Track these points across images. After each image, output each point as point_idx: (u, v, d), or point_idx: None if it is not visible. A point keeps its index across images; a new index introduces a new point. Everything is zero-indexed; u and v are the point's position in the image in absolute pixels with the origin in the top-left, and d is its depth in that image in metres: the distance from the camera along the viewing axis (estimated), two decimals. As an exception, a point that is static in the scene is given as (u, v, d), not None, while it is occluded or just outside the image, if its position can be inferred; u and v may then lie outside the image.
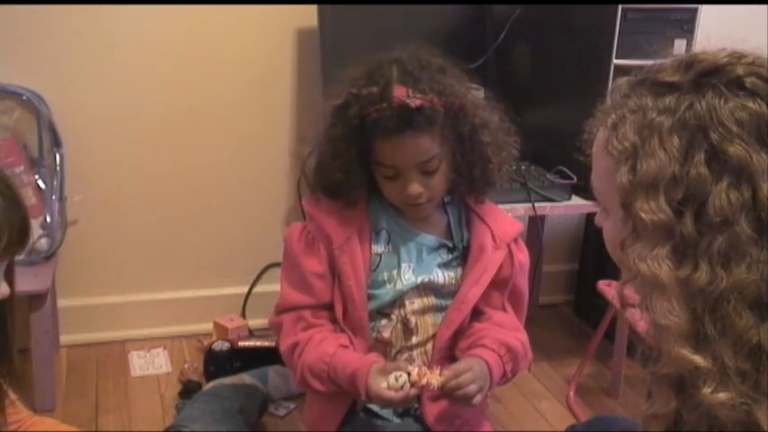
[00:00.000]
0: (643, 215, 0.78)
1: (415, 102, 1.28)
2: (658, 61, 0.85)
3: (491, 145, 1.38)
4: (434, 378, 1.25)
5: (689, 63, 0.81)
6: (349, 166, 1.35)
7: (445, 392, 1.28)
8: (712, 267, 0.75)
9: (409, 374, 1.25)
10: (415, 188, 1.33)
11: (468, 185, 1.41)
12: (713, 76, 0.78)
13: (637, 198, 0.79)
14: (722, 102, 0.76)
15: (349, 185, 1.37)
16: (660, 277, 0.77)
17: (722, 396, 0.74)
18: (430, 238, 1.43)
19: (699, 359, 0.75)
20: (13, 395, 1.27)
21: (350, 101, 1.33)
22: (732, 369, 0.74)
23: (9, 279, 1.15)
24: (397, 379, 1.25)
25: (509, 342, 1.37)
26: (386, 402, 1.28)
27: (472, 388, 1.27)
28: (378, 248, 1.42)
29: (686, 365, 0.75)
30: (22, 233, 1.11)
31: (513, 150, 1.44)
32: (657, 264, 0.77)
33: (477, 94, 1.43)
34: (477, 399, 1.28)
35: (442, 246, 1.44)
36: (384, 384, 1.26)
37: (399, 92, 1.29)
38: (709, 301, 0.75)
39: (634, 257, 0.79)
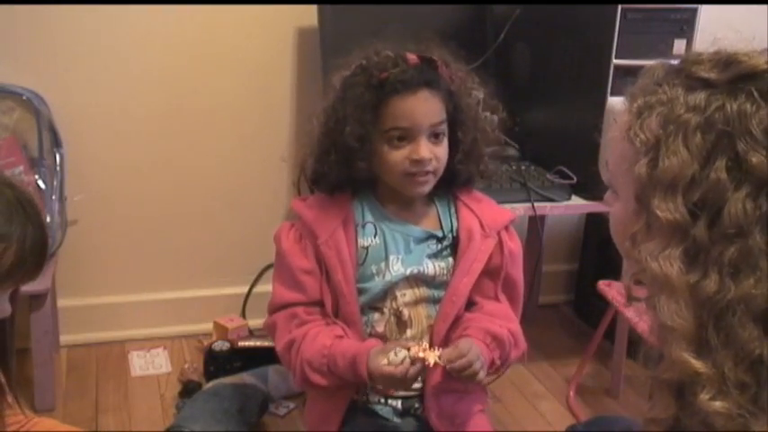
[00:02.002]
0: (659, 213, 0.76)
1: (433, 58, 1.35)
2: (697, 51, 0.82)
3: (488, 122, 1.44)
4: (432, 356, 1.26)
5: (728, 62, 0.78)
6: (363, 131, 1.34)
7: (452, 371, 1.27)
8: (721, 277, 0.74)
9: (409, 350, 1.26)
10: (425, 151, 1.34)
11: (468, 165, 1.42)
12: (750, 80, 0.76)
13: (654, 194, 0.77)
14: (753, 109, 0.74)
15: (361, 154, 1.35)
16: (671, 278, 0.76)
17: (719, 404, 0.73)
18: (417, 230, 1.43)
19: (699, 365, 0.74)
20: (10, 398, 1.26)
21: (363, 69, 1.36)
22: (732, 380, 0.73)
23: (14, 295, 1.16)
24: (396, 353, 1.25)
25: (494, 330, 1.37)
26: (387, 378, 1.26)
27: (477, 365, 1.28)
28: (364, 242, 1.42)
29: (686, 370, 0.75)
30: (42, 261, 1.12)
31: (498, 134, 1.51)
32: (669, 264, 0.76)
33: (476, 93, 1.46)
34: (482, 375, 1.29)
35: (430, 236, 1.44)
36: (384, 361, 1.26)
37: (413, 55, 1.36)
38: (715, 310, 0.74)
39: (646, 255, 0.78)
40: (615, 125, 0.87)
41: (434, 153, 1.35)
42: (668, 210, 0.76)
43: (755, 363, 0.73)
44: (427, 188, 1.39)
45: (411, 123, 1.33)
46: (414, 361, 1.25)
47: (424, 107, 1.34)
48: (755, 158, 0.73)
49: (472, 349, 1.28)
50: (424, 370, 1.27)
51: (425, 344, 1.29)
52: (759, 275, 0.73)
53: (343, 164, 1.37)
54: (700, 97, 0.77)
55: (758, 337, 0.73)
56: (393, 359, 1.25)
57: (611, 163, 0.88)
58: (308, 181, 1.47)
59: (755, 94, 0.75)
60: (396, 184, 1.39)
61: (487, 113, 1.47)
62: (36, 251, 1.09)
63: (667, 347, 0.76)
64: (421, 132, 1.34)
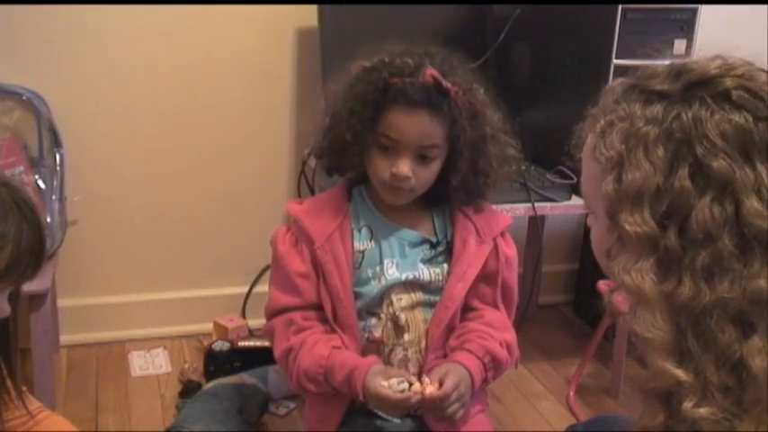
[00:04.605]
0: (627, 227, 0.77)
1: (444, 84, 1.31)
2: (652, 65, 0.84)
3: (497, 158, 1.41)
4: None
5: (679, 72, 0.80)
6: (360, 127, 1.34)
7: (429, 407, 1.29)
8: (695, 282, 0.74)
9: (411, 384, 1.26)
10: (405, 169, 1.33)
11: (465, 193, 1.41)
12: (701, 87, 0.77)
13: (622, 209, 0.78)
14: (708, 114, 0.75)
15: (354, 149, 1.35)
16: (644, 290, 0.76)
17: (703, 411, 0.73)
18: (412, 234, 1.43)
19: (681, 373, 0.75)
20: (14, 396, 1.26)
21: (380, 66, 1.34)
22: (714, 384, 0.74)
23: (14, 295, 1.16)
24: (399, 383, 1.26)
25: (494, 350, 1.38)
26: (382, 401, 1.28)
27: (456, 407, 1.30)
28: (360, 246, 1.42)
29: (668, 379, 0.75)
30: (40, 261, 1.11)
31: (514, 168, 1.48)
32: (641, 276, 0.77)
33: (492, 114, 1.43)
34: (459, 414, 1.31)
35: (424, 241, 1.44)
36: (384, 383, 1.26)
37: (431, 71, 1.32)
38: (693, 315, 0.75)
39: (619, 269, 0.79)
40: (584, 148, 0.88)
41: (416, 173, 1.34)
42: (636, 223, 0.77)
43: (736, 365, 0.74)
44: (402, 201, 1.40)
45: (399, 137, 1.33)
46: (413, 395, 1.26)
47: (418, 127, 1.32)
48: (716, 163, 0.74)
49: (452, 397, 1.28)
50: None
51: (426, 380, 1.29)
52: (732, 277, 0.74)
53: (337, 150, 1.38)
54: (657, 109, 0.78)
55: (737, 339, 0.74)
56: (394, 386, 1.26)
57: (584, 185, 0.90)
58: (314, 154, 1.47)
59: (708, 99, 0.76)
60: (376, 186, 1.40)
61: (510, 149, 1.44)
62: (32, 251, 1.09)
63: (649, 358, 0.77)
64: (407, 149, 1.33)
